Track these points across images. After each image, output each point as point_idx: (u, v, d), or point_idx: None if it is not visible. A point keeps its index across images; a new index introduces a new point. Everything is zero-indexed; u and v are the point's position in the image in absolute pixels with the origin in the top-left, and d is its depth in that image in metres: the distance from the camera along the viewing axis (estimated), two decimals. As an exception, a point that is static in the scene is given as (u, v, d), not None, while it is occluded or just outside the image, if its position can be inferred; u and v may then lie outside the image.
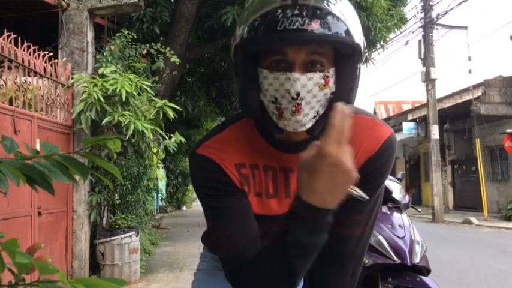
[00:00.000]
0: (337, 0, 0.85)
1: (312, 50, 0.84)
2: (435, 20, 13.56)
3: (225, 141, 0.99)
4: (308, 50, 0.84)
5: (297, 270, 0.87)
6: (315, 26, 0.80)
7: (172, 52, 6.24)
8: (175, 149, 6.06)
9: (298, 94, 0.84)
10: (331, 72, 0.86)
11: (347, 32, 0.83)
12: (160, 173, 7.07)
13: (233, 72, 0.95)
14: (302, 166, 0.76)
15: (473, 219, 12.23)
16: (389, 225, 2.57)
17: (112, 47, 5.45)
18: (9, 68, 3.97)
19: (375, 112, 26.50)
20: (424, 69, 13.90)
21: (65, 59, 5.10)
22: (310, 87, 0.84)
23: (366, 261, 2.38)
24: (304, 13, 0.80)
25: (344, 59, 0.86)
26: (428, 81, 13.83)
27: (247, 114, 0.93)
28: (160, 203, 16.01)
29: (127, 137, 4.70)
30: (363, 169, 0.96)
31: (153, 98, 5.40)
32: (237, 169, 0.97)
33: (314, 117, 0.88)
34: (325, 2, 0.83)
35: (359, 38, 0.86)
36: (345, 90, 0.88)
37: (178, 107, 5.62)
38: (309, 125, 0.88)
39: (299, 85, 0.83)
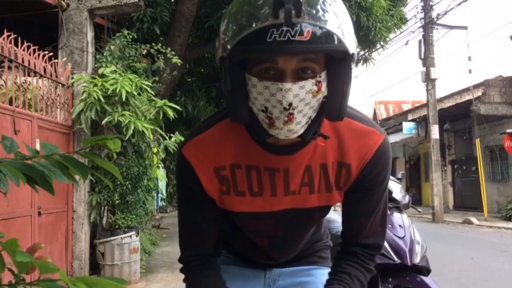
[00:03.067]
0: (331, 2, 0.81)
1: (304, 58, 0.81)
2: (435, 20, 13.56)
3: (210, 141, 1.00)
4: (299, 58, 0.81)
5: None
6: (307, 37, 0.76)
7: (173, 53, 6.24)
8: (175, 149, 6.05)
9: (290, 104, 0.81)
10: (323, 76, 0.83)
11: (340, 39, 0.79)
12: (160, 173, 7.06)
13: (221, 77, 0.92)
14: None
15: (473, 219, 12.23)
16: (389, 225, 2.57)
17: (112, 47, 5.45)
18: (9, 68, 3.97)
19: (374, 112, 26.52)
20: (424, 69, 13.90)
21: (65, 59, 5.10)
22: (302, 96, 0.81)
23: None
24: (294, 24, 0.76)
25: (336, 63, 0.83)
26: (428, 81, 13.83)
27: (236, 121, 0.90)
28: (160, 203, 16.01)
29: (127, 137, 4.70)
30: (360, 177, 1.00)
31: (153, 98, 5.40)
32: (215, 173, 1.00)
33: (306, 122, 0.86)
34: (319, 7, 0.78)
35: (351, 42, 0.82)
36: (338, 94, 0.85)
37: (178, 107, 5.62)
38: (301, 131, 0.86)
39: (291, 95, 0.80)
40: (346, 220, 1.10)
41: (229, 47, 0.81)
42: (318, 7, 0.78)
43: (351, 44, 0.82)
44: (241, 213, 1.04)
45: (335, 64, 0.83)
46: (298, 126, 0.84)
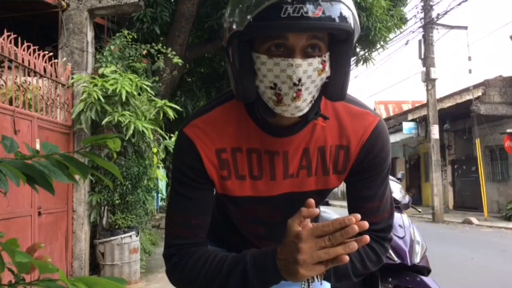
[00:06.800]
0: None
1: (313, 35, 0.84)
2: (435, 20, 13.56)
3: (212, 123, 1.00)
4: (309, 35, 0.84)
5: None
6: (318, 14, 0.79)
7: (174, 53, 6.24)
8: (175, 149, 6.04)
9: (299, 80, 0.83)
10: (327, 56, 0.87)
11: (347, 18, 0.83)
12: (160, 173, 7.06)
13: (225, 57, 0.93)
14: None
15: (473, 219, 12.22)
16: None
17: (112, 47, 5.45)
18: (9, 68, 3.97)
19: (374, 112, 26.48)
20: (424, 69, 13.90)
21: (65, 59, 5.10)
22: (310, 73, 0.84)
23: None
24: (307, 0, 0.79)
25: (339, 44, 0.87)
26: (428, 81, 13.83)
27: (243, 100, 0.92)
28: (160, 203, 15.99)
29: (127, 137, 4.70)
30: (359, 158, 1.02)
31: (153, 98, 5.40)
32: (216, 155, 0.99)
33: (310, 101, 0.89)
34: None
35: (356, 23, 0.86)
36: (341, 74, 0.88)
37: (178, 107, 5.62)
38: (306, 109, 0.89)
39: (301, 71, 0.83)
40: (352, 207, 1.07)
41: (244, 23, 0.83)
42: None
43: (356, 23, 0.86)
44: (241, 197, 1.03)
45: (338, 45, 0.87)
46: (304, 104, 0.87)
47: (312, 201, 0.83)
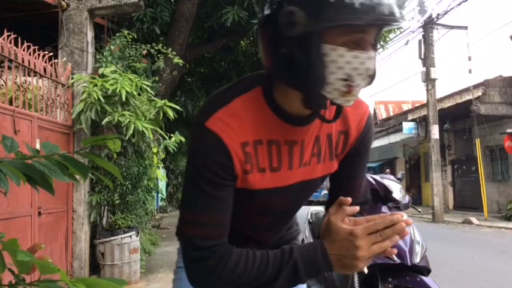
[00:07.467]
0: None
1: (379, 29, 0.89)
2: (435, 20, 13.56)
3: (234, 115, 0.95)
4: (378, 29, 0.88)
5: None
6: (395, 8, 0.82)
7: (174, 53, 6.25)
8: (175, 149, 6.06)
9: (375, 71, 0.87)
10: None
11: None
12: (160, 173, 7.06)
13: (292, 47, 0.88)
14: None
15: (473, 219, 12.23)
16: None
17: (112, 47, 5.45)
18: (9, 68, 3.97)
19: (374, 112, 26.53)
20: (424, 69, 13.90)
21: (65, 59, 5.10)
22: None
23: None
24: None
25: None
26: (428, 81, 13.83)
27: (317, 90, 0.89)
28: (160, 203, 16.00)
29: (127, 137, 4.70)
30: (357, 143, 1.09)
31: (153, 98, 5.40)
32: (242, 148, 0.95)
33: None
34: None
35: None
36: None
37: (178, 107, 5.62)
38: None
39: (374, 63, 0.87)
40: (337, 185, 1.15)
41: (325, 13, 0.81)
42: None
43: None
44: (259, 190, 1.01)
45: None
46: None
47: (349, 199, 0.94)
